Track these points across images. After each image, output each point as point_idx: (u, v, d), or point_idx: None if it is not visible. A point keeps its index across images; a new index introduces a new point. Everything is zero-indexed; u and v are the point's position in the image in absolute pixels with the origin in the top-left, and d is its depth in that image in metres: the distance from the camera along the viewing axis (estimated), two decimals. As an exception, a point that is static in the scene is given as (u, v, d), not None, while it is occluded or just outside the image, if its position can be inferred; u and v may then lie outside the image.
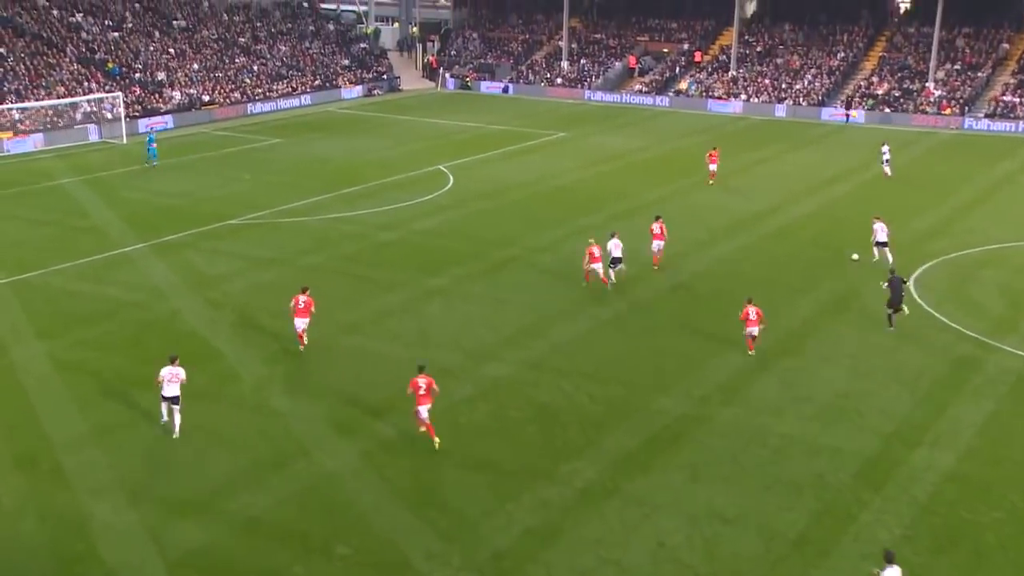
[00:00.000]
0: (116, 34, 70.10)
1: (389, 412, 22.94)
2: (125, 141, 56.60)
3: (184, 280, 32.08)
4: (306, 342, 26.37)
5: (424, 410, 21.27)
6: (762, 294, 31.11)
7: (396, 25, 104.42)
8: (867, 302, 30.58)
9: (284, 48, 79.77)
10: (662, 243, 33.70)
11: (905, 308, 28.31)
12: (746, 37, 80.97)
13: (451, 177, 47.92)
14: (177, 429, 21.81)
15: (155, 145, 51.15)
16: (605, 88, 79.69)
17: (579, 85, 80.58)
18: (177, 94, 65.94)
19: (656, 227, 33.77)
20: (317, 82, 76.68)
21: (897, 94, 70.38)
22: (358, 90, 79.06)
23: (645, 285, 32.16)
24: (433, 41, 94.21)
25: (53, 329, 27.84)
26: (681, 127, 64.69)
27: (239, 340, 27.04)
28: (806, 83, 73.96)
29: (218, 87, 69.02)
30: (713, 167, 47.25)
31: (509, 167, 51.18)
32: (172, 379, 21.82)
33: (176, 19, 75.93)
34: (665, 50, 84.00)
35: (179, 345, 26.48)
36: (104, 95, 60.30)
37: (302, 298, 26.39)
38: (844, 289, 31.87)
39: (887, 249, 33.69)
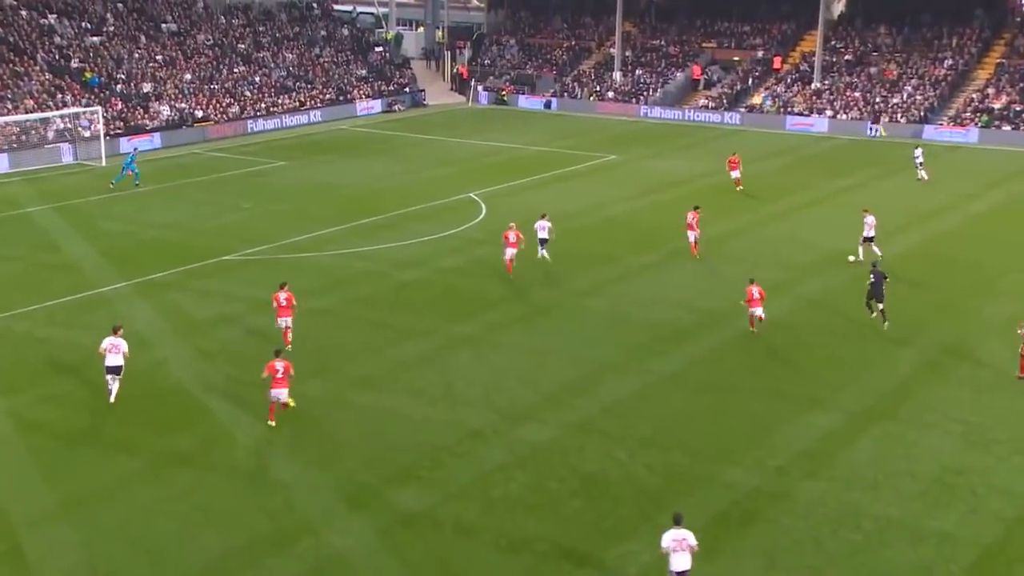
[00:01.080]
0: (95, 39, 71.43)
1: (410, 482, 22.94)
2: (104, 163, 57.51)
3: (171, 325, 32.39)
4: (291, 340, 30.01)
5: (280, 394, 25.30)
6: (852, 345, 30.90)
7: (420, 30, 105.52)
8: (982, 355, 30.23)
9: (290, 56, 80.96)
10: (696, 233, 39.45)
11: (883, 308, 32.51)
12: (833, 42, 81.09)
13: (483, 207, 48.19)
14: (113, 396, 26.31)
15: (135, 165, 52.21)
16: (664, 103, 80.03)
17: (634, 100, 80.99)
18: (166, 109, 66.99)
19: (690, 216, 39.67)
20: (329, 96, 77.68)
21: (1019, 108, 69.94)
22: (376, 105, 79.99)
23: (709, 333, 32.05)
24: (463, 48, 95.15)
25: (16, 382, 28.13)
26: (755, 148, 64.65)
27: (234, 396, 27.20)
28: (905, 96, 73.82)
29: (213, 101, 70.08)
30: (735, 174, 51.70)
31: (551, 195, 51.35)
32: (113, 350, 26.36)
33: (165, 22, 77.30)
34: (736, 58, 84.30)
35: (164, 402, 26.73)
36: (80, 110, 61.32)
37: (282, 295, 30.06)
38: (952, 340, 31.54)
39: (873, 245, 38.83)
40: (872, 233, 39.14)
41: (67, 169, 57.44)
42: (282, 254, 40.37)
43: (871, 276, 32.78)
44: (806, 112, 74.61)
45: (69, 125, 60.45)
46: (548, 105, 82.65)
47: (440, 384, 28.09)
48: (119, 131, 62.85)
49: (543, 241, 38.21)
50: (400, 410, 26.49)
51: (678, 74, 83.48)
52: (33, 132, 59.47)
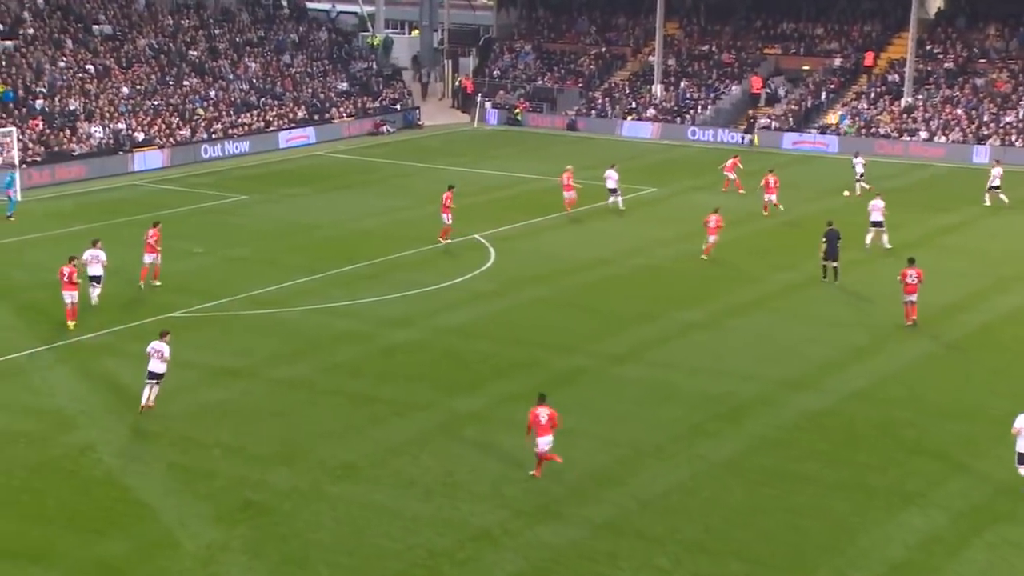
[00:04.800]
0: (8, 43, 71.83)
1: (398, 597, 22.86)
2: (19, 197, 57.75)
3: (102, 400, 32.43)
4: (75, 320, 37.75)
5: None
6: (954, 426, 30.78)
7: (415, 33, 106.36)
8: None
9: (254, 65, 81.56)
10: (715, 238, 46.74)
11: (836, 267, 42.78)
12: (929, 47, 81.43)
13: (492, 251, 48.34)
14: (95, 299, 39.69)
15: (13, 193, 53.98)
16: (717, 123, 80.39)
17: (679, 119, 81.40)
18: (97, 130, 67.39)
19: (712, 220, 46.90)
20: (302, 114, 78.18)
21: None
22: (360, 126, 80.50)
23: (774, 410, 32.03)
24: (468, 55, 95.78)
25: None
26: (830, 179, 64.83)
27: (180, 490, 27.14)
28: (1021, 114, 74.01)
29: (158, 121, 70.48)
30: (731, 175, 60.61)
31: (575, 237, 51.55)
32: (94, 261, 39.50)
33: (98, 23, 77.83)
34: (806, 67, 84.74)
35: (90, 497, 26.70)
36: (-9, 131, 61.72)
37: (66, 269, 37.74)
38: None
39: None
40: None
41: (-26, 205, 57.76)
42: (242, 310, 40.47)
43: (825, 236, 42.57)
44: (894, 133, 74.85)
45: (-25, 151, 60.80)
46: (572, 126, 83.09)
47: (438, 473, 28.02)
48: (39, 158, 63.17)
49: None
50: (388, 505, 26.42)
51: (733, 87, 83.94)
52: (-72, 159, 59.89)
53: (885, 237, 48.18)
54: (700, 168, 68.55)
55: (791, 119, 78.75)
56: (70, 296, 38.01)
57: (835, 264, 42.85)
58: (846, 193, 57.76)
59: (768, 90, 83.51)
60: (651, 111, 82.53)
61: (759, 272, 45.37)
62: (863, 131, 75.71)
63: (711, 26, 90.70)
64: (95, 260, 39.69)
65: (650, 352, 36.66)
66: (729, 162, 61.23)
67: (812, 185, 62.57)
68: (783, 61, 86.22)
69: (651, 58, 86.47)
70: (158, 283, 42.40)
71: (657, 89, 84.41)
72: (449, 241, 49.00)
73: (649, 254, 48.45)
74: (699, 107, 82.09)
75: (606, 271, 45.84)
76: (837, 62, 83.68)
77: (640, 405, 32.34)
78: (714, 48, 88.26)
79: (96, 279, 39.74)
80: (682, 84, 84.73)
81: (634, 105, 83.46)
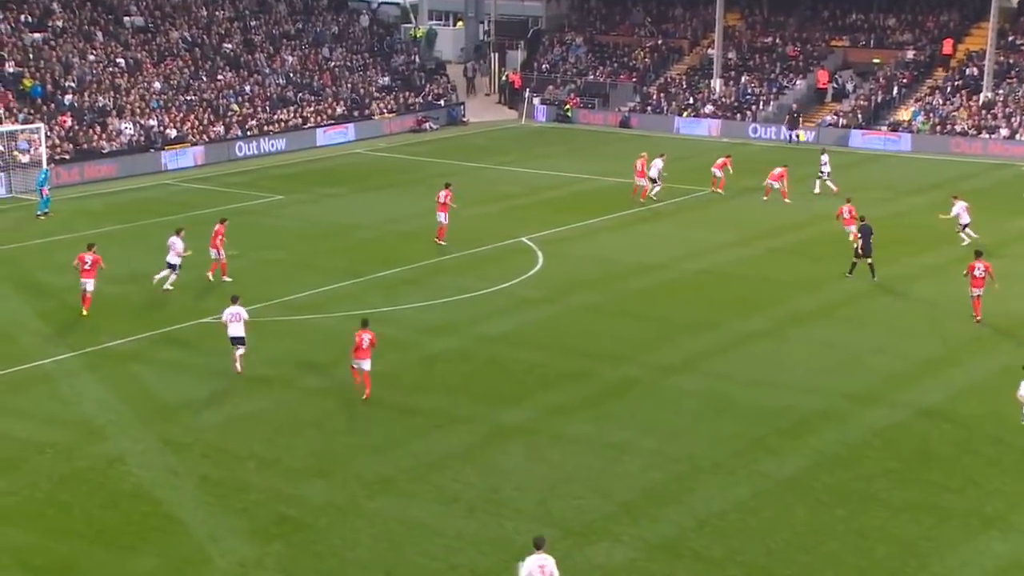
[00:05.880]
0: (37, 36, 72.57)
1: (439, 619, 22.86)
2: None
3: (131, 409, 32.60)
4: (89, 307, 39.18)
5: None
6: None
7: (459, 25, 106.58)
8: None
9: (291, 59, 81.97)
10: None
11: (871, 263, 43.61)
12: (1011, 37, 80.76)
13: (539, 255, 48.31)
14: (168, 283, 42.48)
15: (47, 191, 55.04)
16: (780, 120, 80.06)
17: (739, 115, 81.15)
18: (128, 127, 67.88)
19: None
20: (341, 110, 78.50)
21: None
22: (401, 122, 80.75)
23: (840, 425, 31.83)
24: (516, 48, 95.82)
25: (-70, 482, 28.43)
26: (902, 179, 64.45)
27: (212, 504, 27.29)
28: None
29: (191, 117, 70.95)
30: (718, 173, 60.43)
31: (627, 241, 51.44)
32: (174, 252, 42.16)
33: (129, 14, 78.47)
34: (876, 61, 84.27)
35: (118, 510, 26.88)
36: (17, 127, 62.15)
37: (88, 256, 39.39)
38: None
39: None
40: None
41: None
42: (278, 315, 40.64)
43: (859, 231, 43.86)
44: (972, 131, 74.23)
45: (2, 148, 61.24)
46: (625, 123, 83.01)
47: (482, 488, 28.03)
48: (67, 155, 63.71)
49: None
50: (429, 522, 26.46)
51: (798, 82, 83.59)
52: (-46, 157, 60.61)
53: (966, 232, 49.07)
54: (761, 167, 68.16)
55: (859, 115, 78.34)
56: (85, 283, 39.71)
57: (869, 260, 43.89)
58: (816, 191, 59.88)
59: (835, 85, 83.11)
60: (709, 107, 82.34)
61: (822, 278, 45.11)
62: (938, 128, 75.15)
63: (774, 17, 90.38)
64: (172, 248, 42.58)
65: (707, 362, 36.52)
66: (720, 160, 61.14)
67: (881, 186, 62.14)
68: (851, 54, 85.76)
69: (710, 51, 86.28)
70: (228, 279, 43.91)
71: (716, 84, 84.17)
72: (444, 243, 49.42)
73: (706, 259, 48.27)
74: (761, 103, 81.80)
75: (660, 276, 45.72)
76: (910, 55, 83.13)
77: (696, 418, 32.24)
78: (777, 40, 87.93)
79: (172, 266, 42.60)
80: (743, 79, 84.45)
81: (691, 101, 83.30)
